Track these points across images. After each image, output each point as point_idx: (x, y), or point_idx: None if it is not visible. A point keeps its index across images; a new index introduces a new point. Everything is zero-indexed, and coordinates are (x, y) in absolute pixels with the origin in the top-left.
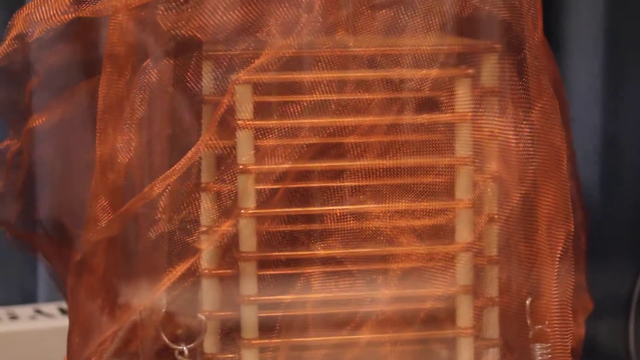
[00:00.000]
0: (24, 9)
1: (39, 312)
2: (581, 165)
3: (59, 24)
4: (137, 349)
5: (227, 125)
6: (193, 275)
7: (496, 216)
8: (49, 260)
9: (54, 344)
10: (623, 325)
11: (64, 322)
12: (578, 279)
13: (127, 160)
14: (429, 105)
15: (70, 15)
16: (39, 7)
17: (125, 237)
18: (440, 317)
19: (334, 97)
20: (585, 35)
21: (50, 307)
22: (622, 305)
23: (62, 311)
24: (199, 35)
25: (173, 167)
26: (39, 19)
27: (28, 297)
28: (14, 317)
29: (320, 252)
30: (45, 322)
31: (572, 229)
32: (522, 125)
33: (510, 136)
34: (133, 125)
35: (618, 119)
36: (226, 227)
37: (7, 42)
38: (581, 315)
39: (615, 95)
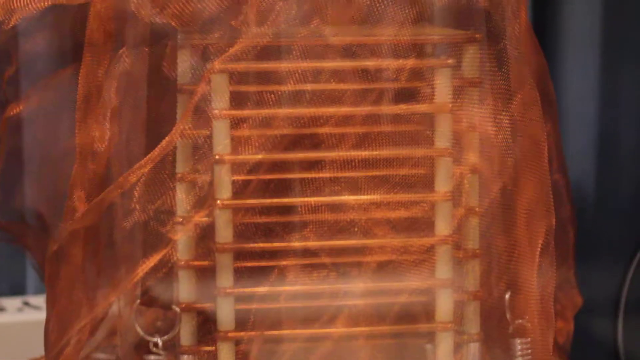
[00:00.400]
0: None
1: (26, 304)
2: (575, 160)
3: (36, 11)
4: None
5: (202, 115)
6: (168, 266)
7: (477, 208)
8: (29, 251)
9: (42, 336)
10: (612, 322)
11: None
12: (567, 275)
13: (104, 149)
14: (408, 95)
15: (46, 3)
16: None
17: (101, 227)
18: (420, 311)
19: (311, 87)
20: (581, 29)
21: (39, 300)
22: (612, 301)
23: None
24: (174, 23)
25: (147, 157)
26: (16, 7)
27: (16, 289)
28: (1, 309)
29: (296, 243)
30: (33, 314)
31: (553, 223)
32: (502, 116)
33: (490, 127)
34: (108, 114)
35: (613, 114)
36: (201, 217)
37: None
38: (570, 311)
39: (611, 89)
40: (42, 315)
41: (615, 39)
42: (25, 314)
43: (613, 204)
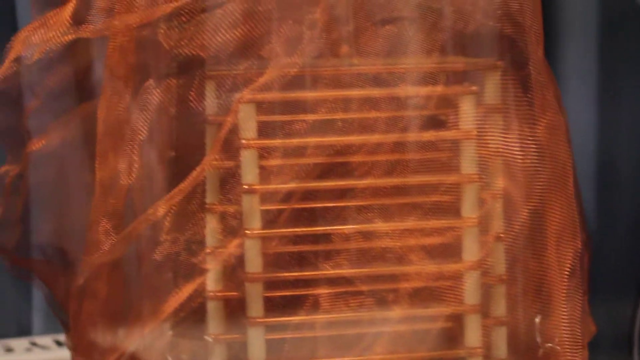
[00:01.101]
0: (23, 31)
1: (34, 344)
2: None
3: (58, 45)
4: None
5: (230, 145)
6: (202, 296)
7: (502, 235)
8: (49, 287)
9: None
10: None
11: (59, 353)
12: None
13: (129, 182)
14: (433, 123)
15: (70, 37)
16: (38, 29)
17: (129, 259)
18: (449, 337)
19: (339, 116)
20: (579, 58)
21: (46, 340)
22: (623, 334)
23: (58, 343)
24: (201, 54)
25: (177, 187)
26: (38, 41)
27: (23, 329)
28: (10, 350)
29: (323, 272)
30: (42, 354)
31: (579, 247)
32: (528, 141)
33: (516, 152)
34: (135, 147)
35: (612, 143)
36: (232, 248)
37: (5, 64)
38: (584, 338)
39: (609, 119)
40: (50, 355)
41: (614, 66)
42: (34, 354)
43: (616, 234)
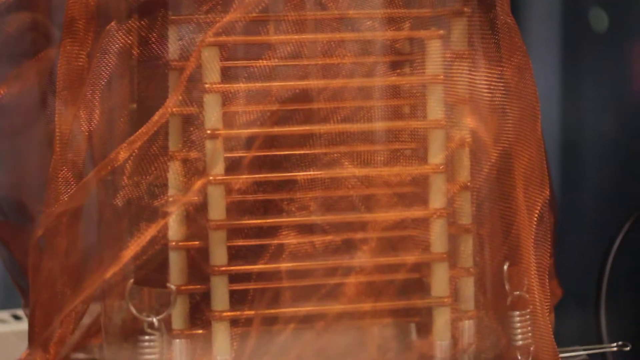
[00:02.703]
0: None
1: None
2: None
3: None
4: (100, 342)
5: (195, 90)
6: (161, 243)
7: (469, 183)
8: (7, 248)
9: (8, 347)
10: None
11: (17, 327)
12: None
13: (91, 128)
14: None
15: None
16: None
17: (89, 207)
18: (416, 288)
19: (304, 62)
20: (541, 34)
21: (3, 314)
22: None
23: (15, 317)
24: None
25: (138, 132)
26: None
27: None
28: None
29: (289, 219)
30: None
31: (548, 194)
32: (496, 83)
33: (484, 94)
34: (97, 92)
35: (575, 120)
36: (194, 192)
37: None
38: (551, 301)
39: (572, 93)
40: (8, 328)
41: (575, 40)
42: None
43: (577, 205)
